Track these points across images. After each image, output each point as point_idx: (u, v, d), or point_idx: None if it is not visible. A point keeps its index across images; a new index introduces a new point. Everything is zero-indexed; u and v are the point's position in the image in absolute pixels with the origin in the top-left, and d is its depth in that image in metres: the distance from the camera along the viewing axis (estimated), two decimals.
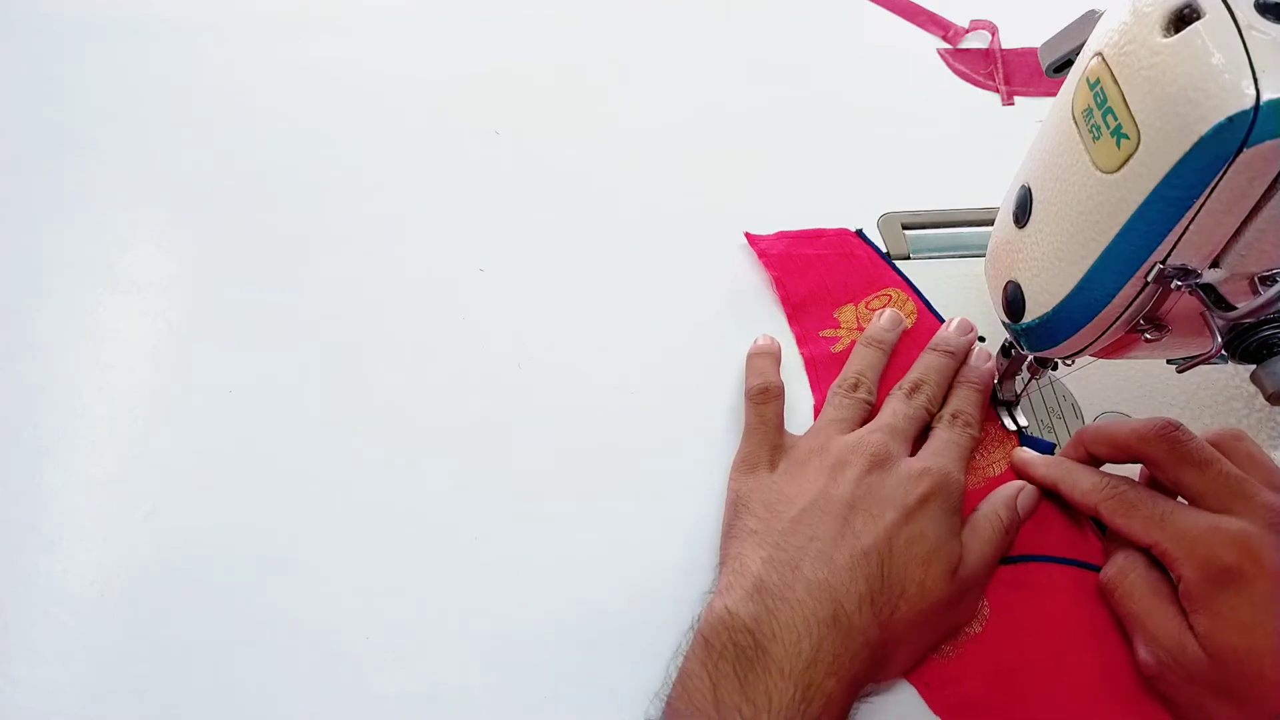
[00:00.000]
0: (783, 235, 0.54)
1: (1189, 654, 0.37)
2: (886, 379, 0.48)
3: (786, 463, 0.44)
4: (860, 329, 0.51)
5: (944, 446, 0.44)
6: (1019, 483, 0.45)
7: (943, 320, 0.51)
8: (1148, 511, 0.40)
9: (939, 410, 0.46)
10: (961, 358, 0.48)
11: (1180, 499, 0.41)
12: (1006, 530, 0.43)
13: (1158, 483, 0.42)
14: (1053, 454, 0.46)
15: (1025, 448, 0.47)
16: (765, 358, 0.49)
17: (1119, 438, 0.42)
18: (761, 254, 0.53)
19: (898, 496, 0.41)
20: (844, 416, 0.46)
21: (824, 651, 0.36)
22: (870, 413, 0.46)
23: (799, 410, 0.48)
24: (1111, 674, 0.40)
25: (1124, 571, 0.40)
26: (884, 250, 0.54)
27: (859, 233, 0.54)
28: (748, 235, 0.54)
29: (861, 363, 0.48)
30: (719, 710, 0.35)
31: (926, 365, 0.47)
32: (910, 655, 0.40)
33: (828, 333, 0.51)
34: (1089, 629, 0.41)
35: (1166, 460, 0.40)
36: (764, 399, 0.47)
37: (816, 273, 0.53)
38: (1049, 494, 0.45)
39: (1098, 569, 0.42)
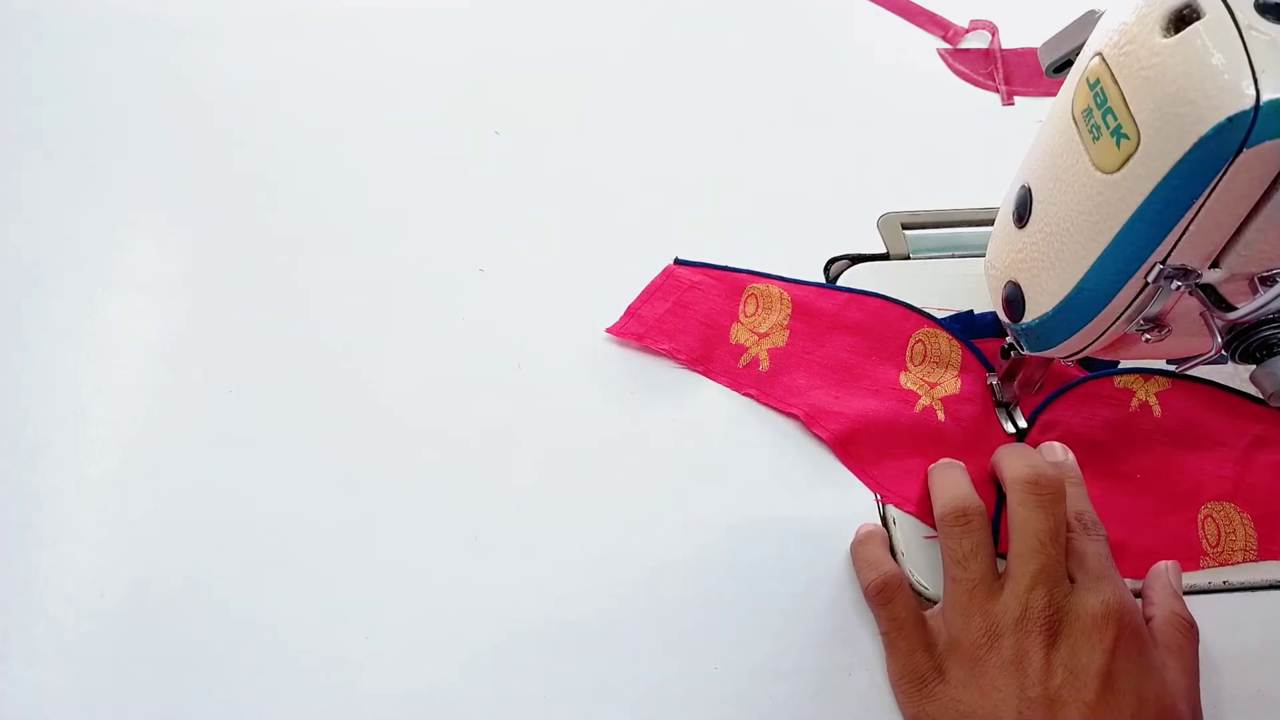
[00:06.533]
0: (632, 312, 0.51)
1: None
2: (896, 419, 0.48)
3: (956, 666, 0.39)
4: (761, 335, 0.50)
5: (1097, 564, 0.40)
6: (1164, 569, 0.43)
7: (816, 284, 0.52)
8: None
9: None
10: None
11: None
12: (1192, 625, 0.40)
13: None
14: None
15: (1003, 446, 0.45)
16: (869, 544, 0.43)
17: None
18: (637, 338, 0.50)
19: (1094, 662, 0.38)
20: (978, 572, 0.40)
21: None
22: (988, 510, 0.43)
23: (789, 435, 0.48)
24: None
25: None
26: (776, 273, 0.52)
27: (678, 261, 0.53)
28: (610, 330, 0.50)
29: (946, 480, 0.43)
30: None
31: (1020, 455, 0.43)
32: None
33: (744, 359, 0.50)
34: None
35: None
36: (886, 595, 0.41)
37: (687, 320, 0.51)
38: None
39: None
